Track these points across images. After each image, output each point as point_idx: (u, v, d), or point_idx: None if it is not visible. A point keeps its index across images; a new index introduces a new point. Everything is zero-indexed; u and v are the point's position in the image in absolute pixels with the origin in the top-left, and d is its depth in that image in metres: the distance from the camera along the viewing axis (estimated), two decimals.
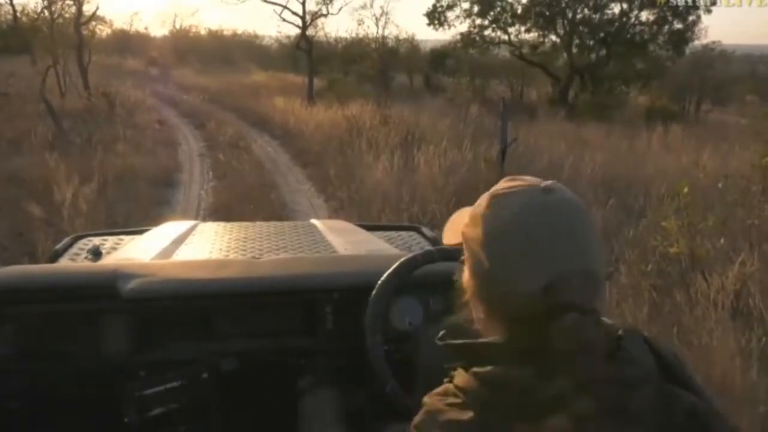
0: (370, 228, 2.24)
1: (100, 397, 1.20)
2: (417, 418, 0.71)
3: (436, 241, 2.10)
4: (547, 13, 19.18)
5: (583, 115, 15.14)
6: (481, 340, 0.74)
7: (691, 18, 18.04)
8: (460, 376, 0.70)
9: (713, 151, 9.35)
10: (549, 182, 0.73)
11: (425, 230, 2.24)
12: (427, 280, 1.27)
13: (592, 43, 19.34)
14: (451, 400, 0.69)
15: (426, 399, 0.72)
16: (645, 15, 18.66)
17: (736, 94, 24.46)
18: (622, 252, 4.36)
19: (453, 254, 1.23)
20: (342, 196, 6.61)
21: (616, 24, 18.83)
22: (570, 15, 19.22)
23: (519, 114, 13.33)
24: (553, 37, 20.03)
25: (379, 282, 1.22)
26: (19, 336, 1.24)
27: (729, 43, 25.42)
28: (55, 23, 15.19)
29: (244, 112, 14.88)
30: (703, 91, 22.86)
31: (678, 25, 18.41)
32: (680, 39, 18.66)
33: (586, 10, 19.10)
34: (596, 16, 18.97)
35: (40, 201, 5.10)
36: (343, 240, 1.94)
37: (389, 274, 1.23)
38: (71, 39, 14.80)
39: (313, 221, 2.34)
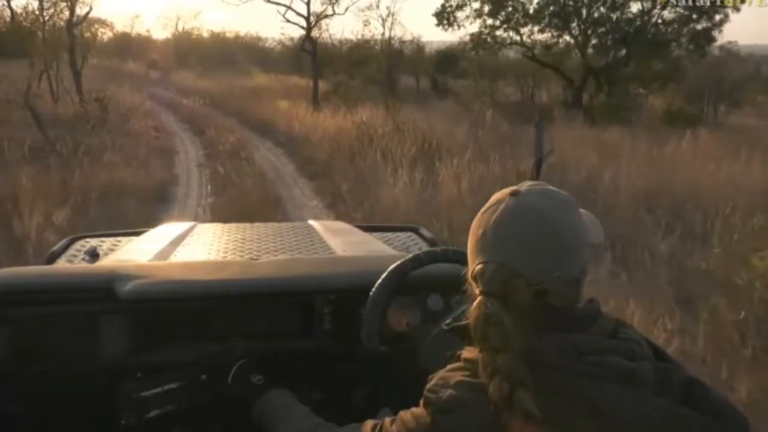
0: (368, 229, 2.22)
1: (97, 398, 1.20)
2: (430, 384, 0.81)
3: (434, 241, 2.05)
4: (562, 13, 18.42)
5: (600, 119, 14.48)
6: None
7: (718, 17, 17.15)
8: (468, 352, 0.81)
9: (750, 158, 8.55)
10: (526, 186, 0.82)
11: (423, 231, 2.19)
12: (424, 281, 1.28)
13: (610, 43, 18.53)
14: (462, 372, 0.79)
15: (438, 374, 0.82)
16: (667, 13, 17.79)
17: (748, 96, 23.82)
18: (703, 291, 3.58)
19: (447, 256, 1.26)
20: (356, 217, 5.88)
21: (637, 23, 18.00)
22: (585, 14, 18.45)
23: (534, 118, 12.60)
24: (568, 38, 19.27)
25: (373, 289, 1.21)
26: (16, 338, 1.23)
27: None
28: (47, 25, 14.47)
29: (246, 117, 14.24)
30: (719, 92, 22.10)
31: (703, 24, 17.52)
32: (706, 38, 17.79)
33: (602, 9, 18.31)
34: (614, 15, 18.16)
35: (2, 231, 4.34)
36: (340, 241, 1.93)
37: (383, 280, 1.21)
38: (64, 42, 14.10)
39: (311, 222, 2.30)
